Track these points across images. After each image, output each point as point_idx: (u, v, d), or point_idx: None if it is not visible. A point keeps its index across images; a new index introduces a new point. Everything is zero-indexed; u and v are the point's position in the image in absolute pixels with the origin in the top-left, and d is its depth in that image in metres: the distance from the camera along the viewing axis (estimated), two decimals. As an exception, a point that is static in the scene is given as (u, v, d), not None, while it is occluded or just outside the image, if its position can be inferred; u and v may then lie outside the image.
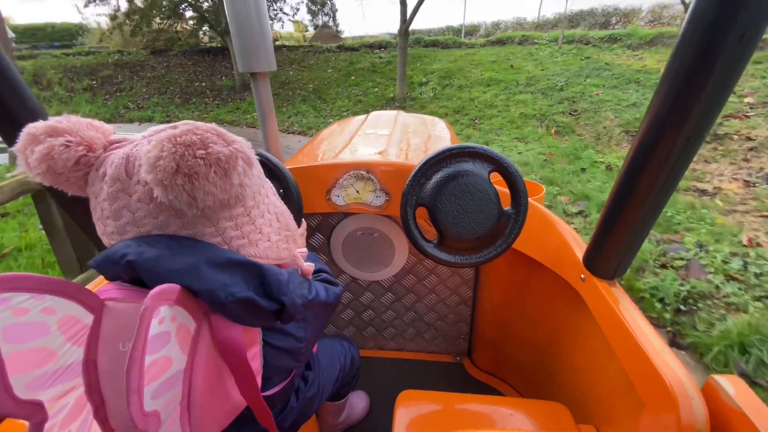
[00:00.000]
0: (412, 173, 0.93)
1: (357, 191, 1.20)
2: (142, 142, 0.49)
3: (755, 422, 0.53)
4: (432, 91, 9.01)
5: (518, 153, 5.34)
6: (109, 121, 9.50)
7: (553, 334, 1.20)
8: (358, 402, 1.40)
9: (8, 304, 0.37)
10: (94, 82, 11.11)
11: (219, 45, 13.30)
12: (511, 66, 9.26)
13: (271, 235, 0.58)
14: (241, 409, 0.54)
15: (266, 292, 0.50)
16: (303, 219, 1.01)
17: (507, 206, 0.91)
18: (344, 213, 1.34)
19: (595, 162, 4.75)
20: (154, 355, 0.40)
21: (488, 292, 1.46)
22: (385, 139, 1.58)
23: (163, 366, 0.42)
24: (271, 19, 13.64)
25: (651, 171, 0.63)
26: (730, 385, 0.59)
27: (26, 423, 0.38)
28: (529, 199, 0.94)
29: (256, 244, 0.55)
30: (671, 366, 0.64)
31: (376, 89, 9.85)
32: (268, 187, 0.61)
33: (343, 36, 19.46)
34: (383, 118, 2.08)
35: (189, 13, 12.52)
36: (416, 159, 1.27)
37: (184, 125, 0.44)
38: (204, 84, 11.43)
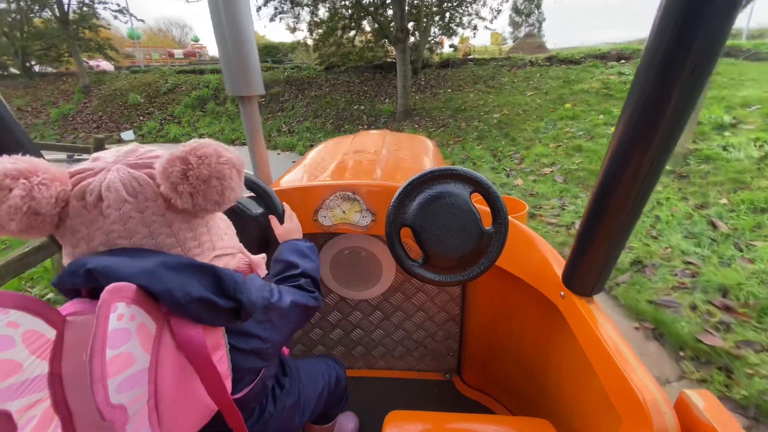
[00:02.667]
0: (396, 194, 0.93)
1: (343, 212, 1.22)
2: (109, 169, 0.51)
3: None
4: (754, 145, 4.19)
5: None
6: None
7: (539, 351, 1.19)
8: (347, 423, 1.36)
9: None
10: (263, 99, 10.52)
11: (394, 60, 11.22)
12: None
13: (224, 249, 0.62)
14: (214, 412, 0.56)
15: (222, 292, 0.52)
16: (286, 205, 1.05)
17: (488, 225, 0.92)
18: (331, 233, 1.35)
19: None
20: (116, 350, 0.42)
21: (475, 309, 1.46)
22: (372, 159, 1.61)
23: (125, 362, 0.43)
24: (463, 27, 10.70)
25: (621, 192, 0.66)
26: (701, 399, 0.62)
27: None
28: (510, 218, 0.96)
29: (208, 255, 0.59)
30: (645, 382, 0.66)
31: (610, 129, 5.57)
32: None
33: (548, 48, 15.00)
34: (371, 138, 2.14)
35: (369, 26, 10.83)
36: (402, 179, 1.17)
37: (187, 144, 0.51)
38: (363, 107, 9.36)
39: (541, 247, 1.03)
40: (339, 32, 10.75)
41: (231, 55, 1.14)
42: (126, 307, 0.44)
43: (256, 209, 1.01)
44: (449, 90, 9.21)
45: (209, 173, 0.51)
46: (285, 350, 0.98)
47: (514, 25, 11.91)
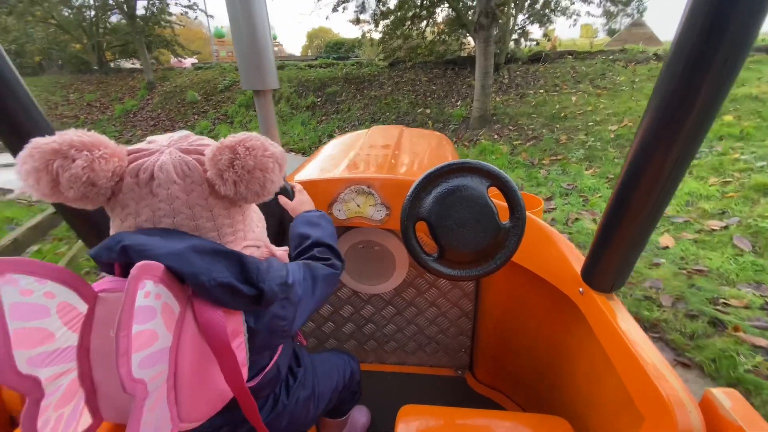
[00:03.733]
0: (412, 188, 0.92)
1: (358, 205, 1.22)
2: (162, 151, 0.55)
3: None
4: None
5: None
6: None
7: (554, 348, 1.18)
8: (359, 417, 1.37)
9: (16, 285, 0.40)
10: (319, 99, 9.46)
11: (470, 54, 9.49)
12: None
13: (254, 241, 0.65)
14: (228, 399, 0.57)
15: (246, 279, 0.54)
16: (295, 184, 1.05)
17: (505, 220, 0.90)
18: (346, 226, 1.33)
19: None
20: (141, 326, 0.43)
21: (489, 306, 1.44)
22: (386, 153, 1.59)
23: (149, 338, 0.44)
24: (563, 13, 8.67)
25: (644, 188, 0.65)
26: (727, 398, 0.59)
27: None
28: (528, 213, 0.93)
29: (240, 243, 0.62)
30: (669, 380, 0.64)
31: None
32: None
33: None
34: (385, 133, 2.10)
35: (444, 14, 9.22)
36: (417, 174, 1.17)
37: (237, 135, 0.55)
38: (429, 110, 7.80)
39: (558, 243, 1.03)
40: (408, 22, 9.31)
41: (246, 50, 1.14)
42: (154, 285, 0.45)
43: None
44: (541, 91, 7.29)
45: (254, 164, 0.54)
46: (302, 340, 1.02)
47: (608, 15, 9.38)
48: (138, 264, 0.44)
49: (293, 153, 7.39)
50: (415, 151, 1.75)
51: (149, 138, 0.57)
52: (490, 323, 1.44)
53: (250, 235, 0.64)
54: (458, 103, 7.76)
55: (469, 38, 8.82)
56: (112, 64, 13.36)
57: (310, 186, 1.16)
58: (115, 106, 11.04)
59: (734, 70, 0.51)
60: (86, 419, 0.46)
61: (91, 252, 0.52)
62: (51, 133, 0.52)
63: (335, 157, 1.63)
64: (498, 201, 0.93)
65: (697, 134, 0.57)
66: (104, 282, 0.50)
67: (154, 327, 0.45)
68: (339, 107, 8.97)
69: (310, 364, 0.95)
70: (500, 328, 1.41)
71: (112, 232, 0.56)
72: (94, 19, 12.40)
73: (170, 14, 12.56)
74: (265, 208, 0.77)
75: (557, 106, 6.54)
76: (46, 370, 0.41)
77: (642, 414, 0.67)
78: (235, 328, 0.55)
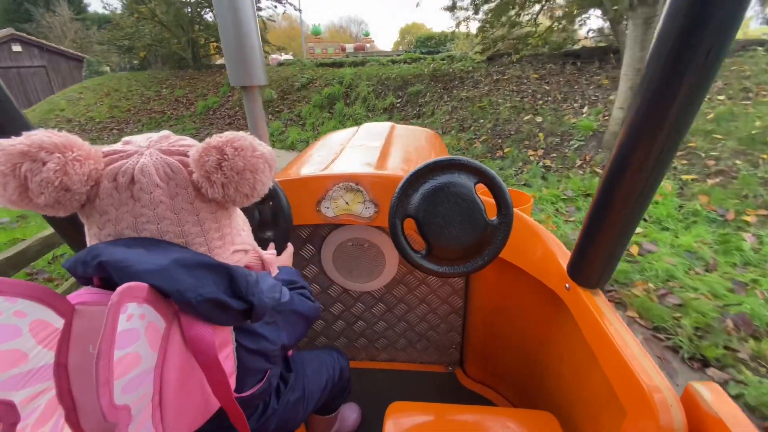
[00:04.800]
0: (400, 185, 0.93)
1: (346, 203, 1.21)
2: (142, 152, 0.51)
3: (731, 428, 0.54)
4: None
5: None
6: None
7: (542, 343, 1.19)
8: (349, 414, 1.36)
9: None
10: (399, 100, 8.07)
11: (601, 44, 7.24)
12: None
13: (242, 245, 0.63)
14: (215, 410, 0.55)
15: (235, 293, 0.51)
16: (289, 243, 1.03)
17: (493, 217, 0.91)
18: (334, 224, 1.33)
19: None
20: (123, 350, 0.41)
21: (478, 302, 1.44)
22: (375, 150, 1.57)
23: (132, 362, 0.42)
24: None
25: (628, 182, 0.65)
26: (708, 392, 0.60)
27: None
28: (515, 209, 0.94)
29: (228, 249, 0.59)
30: (651, 375, 0.65)
31: None
32: None
33: None
34: (374, 130, 2.06)
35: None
36: (405, 171, 1.22)
37: (223, 135, 0.51)
38: (540, 119, 5.87)
39: (546, 239, 1.02)
40: (516, 7, 7.40)
41: (233, 45, 1.12)
42: (137, 306, 0.43)
43: (266, 233, 1.00)
44: (721, 97, 4.90)
45: (244, 165, 0.51)
46: None
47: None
48: (119, 290, 0.42)
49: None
50: (404, 148, 1.73)
51: (125, 138, 0.54)
52: (479, 319, 1.44)
53: (237, 239, 0.62)
54: (584, 110, 5.70)
55: (590, 24, 6.58)
56: (205, 60, 13.64)
57: (299, 183, 1.19)
58: (199, 102, 11.04)
59: (716, 63, 0.50)
60: None
61: (65, 264, 0.49)
62: (28, 128, 0.52)
63: (324, 155, 1.61)
64: (486, 198, 0.94)
65: (680, 129, 0.57)
66: (82, 294, 0.47)
67: (137, 350, 0.43)
68: (421, 110, 7.48)
69: (300, 367, 0.94)
70: (490, 324, 1.40)
71: (88, 240, 0.53)
72: (190, 16, 12.67)
73: (259, 8, 12.32)
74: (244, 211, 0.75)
75: (756, 122, 4.19)
76: (21, 393, 0.40)
77: (625, 408, 0.68)
78: (224, 338, 0.54)
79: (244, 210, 0.69)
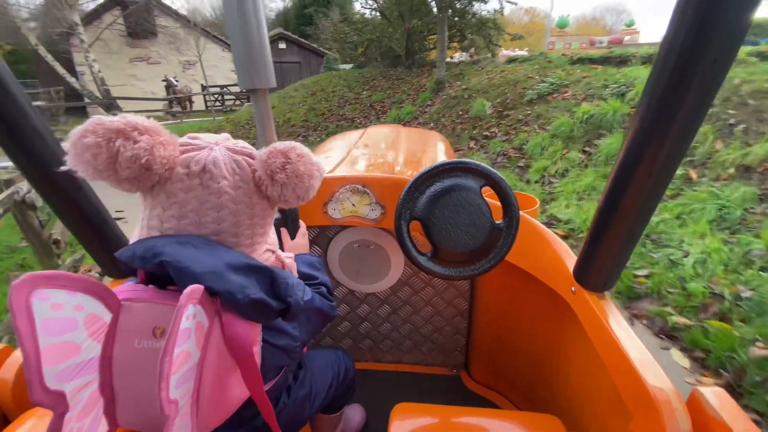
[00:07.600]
0: (406, 187, 0.93)
1: (353, 204, 1.21)
2: (213, 147, 0.56)
3: None
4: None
5: None
6: None
7: (548, 347, 1.19)
8: (354, 415, 1.37)
9: (48, 300, 0.40)
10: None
11: None
12: None
13: (271, 245, 0.67)
14: (239, 405, 0.57)
15: (275, 294, 0.56)
16: (301, 222, 1.03)
17: (499, 219, 0.91)
18: (341, 226, 1.34)
19: None
20: (179, 348, 0.43)
21: (484, 305, 1.45)
22: (382, 153, 1.63)
23: (184, 359, 0.45)
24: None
25: (635, 187, 0.64)
26: (714, 396, 0.60)
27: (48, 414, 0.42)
28: (521, 212, 0.94)
29: (263, 246, 0.64)
30: (657, 379, 0.65)
31: None
32: None
33: None
34: (381, 132, 2.13)
35: None
36: (412, 173, 1.23)
37: (286, 142, 0.58)
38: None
39: (552, 243, 1.02)
40: None
41: (241, 47, 1.09)
42: (193, 307, 0.45)
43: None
44: None
45: (304, 170, 0.57)
46: None
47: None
48: (186, 292, 0.44)
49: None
50: (411, 151, 1.76)
51: (191, 134, 0.58)
52: (485, 322, 1.45)
53: (269, 239, 0.66)
54: None
55: None
56: (419, 59, 11.19)
57: None
58: (392, 111, 8.59)
59: (723, 69, 0.51)
60: (103, 427, 0.47)
61: (120, 252, 0.51)
62: (50, 135, 0.61)
63: (331, 157, 1.63)
64: (492, 200, 0.94)
65: (687, 134, 0.57)
66: (127, 290, 0.50)
67: (188, 347, 0.45)
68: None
69: (308, 364, 0.96)
70: (495, 326, 1.41)
71: (149, 222, 0.55)
72: (412, 2, 10.28)
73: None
74: None
75: None
76: (71, 384, 0.42)
77: (630, 412, 0.68)
78: (255, 336, 0.56)
79: None
